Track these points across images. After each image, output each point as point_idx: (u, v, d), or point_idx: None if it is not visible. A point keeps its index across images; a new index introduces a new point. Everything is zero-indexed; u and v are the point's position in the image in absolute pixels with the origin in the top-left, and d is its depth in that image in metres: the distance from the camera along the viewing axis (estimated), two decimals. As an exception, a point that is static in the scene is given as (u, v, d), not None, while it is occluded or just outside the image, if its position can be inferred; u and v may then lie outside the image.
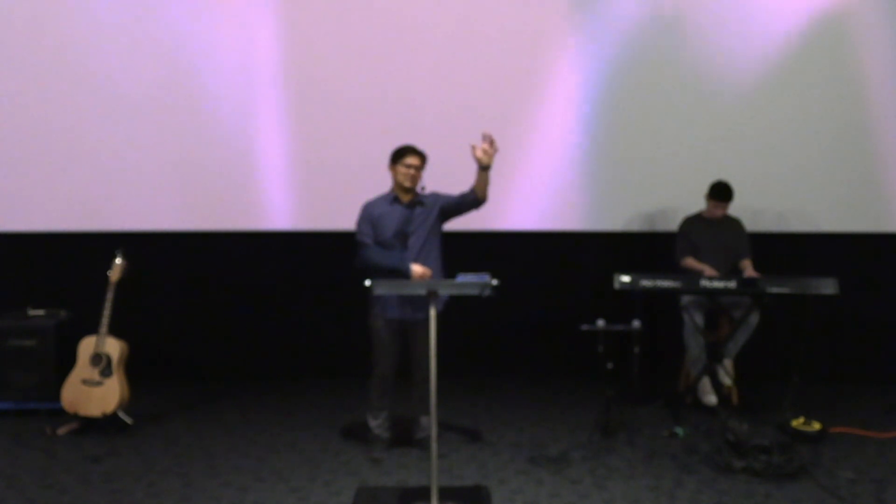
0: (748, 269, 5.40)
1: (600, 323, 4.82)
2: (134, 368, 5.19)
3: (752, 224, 5.77)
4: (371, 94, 5.84)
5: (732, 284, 5.05)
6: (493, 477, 4.38)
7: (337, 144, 5.87)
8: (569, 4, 5.85)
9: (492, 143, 4.44)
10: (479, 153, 4.44)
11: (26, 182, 5.89)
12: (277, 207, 5.93)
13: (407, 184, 4.54)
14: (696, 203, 5.65)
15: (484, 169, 4.46)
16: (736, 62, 5.87)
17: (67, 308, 5.58)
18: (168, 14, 5.80)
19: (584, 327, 4.83)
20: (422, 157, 4.56)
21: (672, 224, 5.74)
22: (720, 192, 5.48)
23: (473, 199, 4.55)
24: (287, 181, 5.91)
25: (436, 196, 4.66)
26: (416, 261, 4.48)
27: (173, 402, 5.62)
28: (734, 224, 5.63)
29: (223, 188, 5.91)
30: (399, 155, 4.56)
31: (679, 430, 4.98)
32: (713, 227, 5.56)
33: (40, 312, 5.51)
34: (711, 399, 5.45)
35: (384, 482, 4.32)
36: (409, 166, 4.53)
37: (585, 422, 5.12)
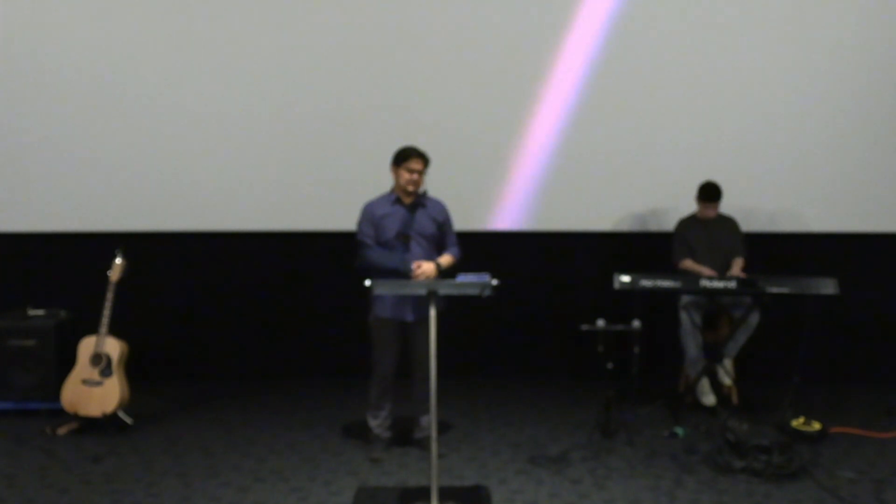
0: (734, 268, 5.41)
1: (600, 323, 4.82)
2: (134, 368, 5.20)
3: (752, 224, 5.77)
4: (369, 94, 5.84)
5: (732, 284, 5.06)
6: (493, 477, 4.38)
7: (336, 144, 5.87)
8: (557, 5, 5.84)
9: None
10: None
11: (26, 182, 5.90)
12: (277, 207, 5.93)
13: (410, 188, 4.53)
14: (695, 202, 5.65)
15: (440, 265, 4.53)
16: (735, 56, 5.87)
17: (67, 308, 5.57)
18: (166, 15, 5.81)
19: (584, 327, 4.83)
20: (425, 160, 4.54)
21: (673, 224, 5.74)
22: (708, 193, 5.47)
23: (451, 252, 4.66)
24: (287, 181, 5.91)
25: (443, 206, 4.66)
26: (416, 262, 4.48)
27: (173, 402, 5.62)
28: (729, 223, 5.63)
29: (223, 188, 5.91)
30: (402, 158, 4.53)
31: (679, 430, 4.98)
32: (708, 228, 5.56)
33: (40, 312, 5.51)
34: (710, 400, 5.46)
35: (384, 482, 4.32)
36: (412, 171, 4.50)
37: (585, 422, 5.12)
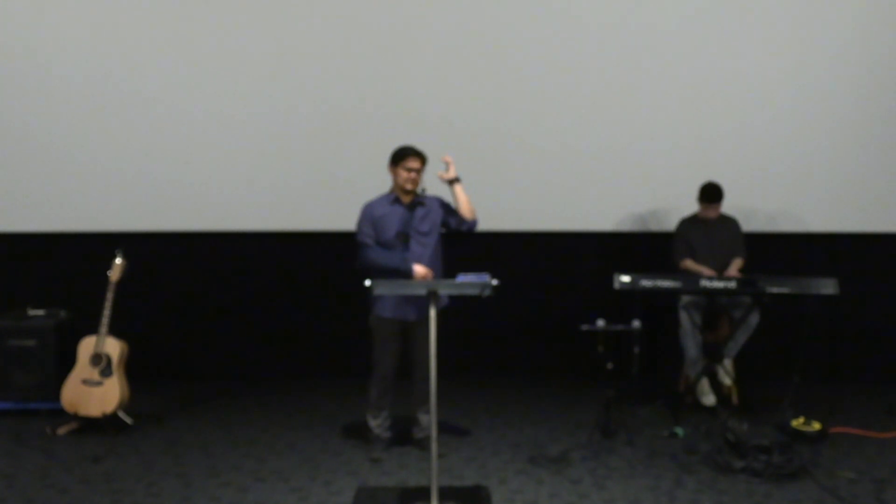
0: (732, 268, 5.41)
1: (600, 323, 4.82)
2: (134, 368, 5.19)
3: (752, 224, 5.77)
4: (369, 94, 5.84)
5: (732, 284, 5.06)
6: (493, 477, 4.38)
7: (337, 144, 5.87)
8: (562, 6, 5.84)
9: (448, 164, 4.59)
10: (441, 174, 4.59)
11: (26, 182, 5.89)
12: (277, 207, 5.93)
13: (408, 187, 4.54)
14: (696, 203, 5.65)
15: (453, 183, 4.58)
16: (736, 56, 5.86)
17: (67, 308, 5.57)
18: (166, 15, 5.81)
19: (584, 327, 4.83)
20: (422, 159, 4.55)
21: (673, 224, 5.74)
22: (709, 194, 5.47)
23: (467, 227, 4.65)
24: (286, 181, 5.91)
25: (440, 201, 4.67)
26: (416, 261, 4.48)
27: (173, 402, 5.62)
28: (730, 224, 5.62)
29: (223, 188, 5.91)
30: (400, 157, 4.55)
31: (679, 430, 4.98)
32: (709, 228, 5.55)
33: (40, 312, 5.51)
34: (710, 400, 5.46)
35: (384, 482, 4.32)
36: (409, 170, 4.52)
37: (585, 422, 5.12)
